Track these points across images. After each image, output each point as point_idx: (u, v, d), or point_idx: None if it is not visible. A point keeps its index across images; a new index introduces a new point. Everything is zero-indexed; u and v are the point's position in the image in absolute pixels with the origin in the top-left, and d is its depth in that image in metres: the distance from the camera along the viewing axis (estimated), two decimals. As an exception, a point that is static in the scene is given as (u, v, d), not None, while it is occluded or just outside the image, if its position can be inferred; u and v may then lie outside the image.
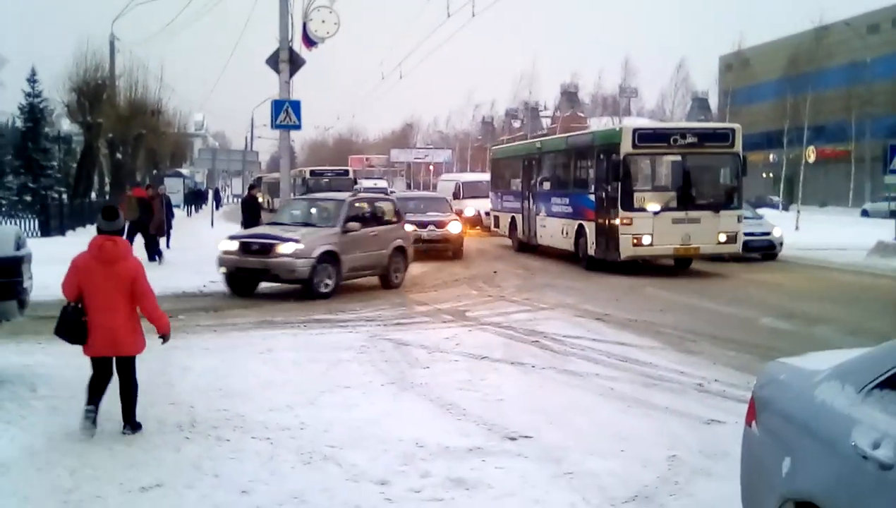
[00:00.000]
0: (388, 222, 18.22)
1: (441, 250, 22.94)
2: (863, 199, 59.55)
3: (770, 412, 4.28)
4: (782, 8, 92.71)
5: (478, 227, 33.03)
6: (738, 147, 19.66)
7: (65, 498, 5.74)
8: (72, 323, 7.10)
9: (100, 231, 7.29)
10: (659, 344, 11.37)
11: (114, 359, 7.32)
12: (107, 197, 43.56)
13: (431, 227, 22.56)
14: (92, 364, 7.31)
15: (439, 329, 12.62)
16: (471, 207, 33.85)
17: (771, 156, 62.61)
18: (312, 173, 46.45)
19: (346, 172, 48.26)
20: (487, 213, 31.67)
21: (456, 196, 34.87)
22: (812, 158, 50.87)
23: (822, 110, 57.23)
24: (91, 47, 37.68)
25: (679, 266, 20.70)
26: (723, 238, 19.44)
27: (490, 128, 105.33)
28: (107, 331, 7.09)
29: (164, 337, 7.53)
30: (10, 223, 27.32)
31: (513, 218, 27.34)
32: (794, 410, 4.04)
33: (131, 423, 7.29)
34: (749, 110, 58.63)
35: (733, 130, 20.06)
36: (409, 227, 18.72)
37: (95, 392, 7.24)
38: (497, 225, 29.55)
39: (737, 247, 19.92)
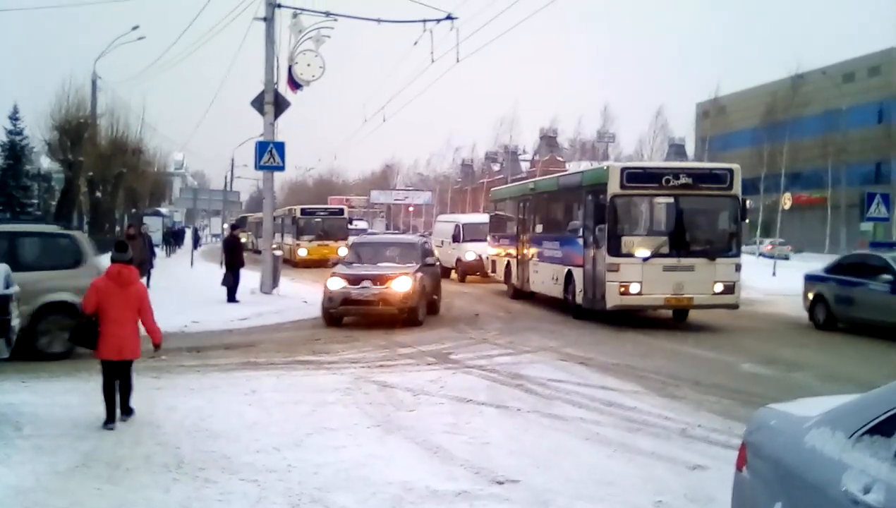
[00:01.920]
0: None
1: (378, 313, 18.03)
2: (839, 245, 60.11)
3: (761, 457, 4.35)
4: (759, 56, 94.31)
5: (478, 273, 30.92)
6: (737, 189, 17.90)
7: (53, 540, 5.72)
8: (88, 332, 8.96)
9: (114, 261, 9.26)
10: (642, 388, 11.43)
11: (117, 364, 8.99)
12: (86, 235, 43.32)
13: (366, 284, 17.59)
14: (105, 368, 9.00)
15: (423, 371, 12.64)
16: (471, 251, 31.46)
17: (747, 202, 63.25)
18: (304, 212, 43.14)
19: (341, 211, 44.82)
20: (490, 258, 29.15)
21: (455, 238, 32.97)
22: (788, 205, 51.36)
23: (798, 157, 58.13)
24: (73, 86, 37.82)
25: (677, 318, 19.16)
26: (719, 288, 17.60)
27: (470, 171, 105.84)
28: (117, 339, 8.89)
29: (158, 346, 9.44)
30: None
31: (508, 262, 25.69)
32: (784, 455, 4.12)
33: (127, 411, 9.12)
34: (725, 157, 59.13)
35: (731, 171, 18.16)
36: (335, 285, 17.90)
37: (110, 397, 8.91)
38: (494, 270, 27.82)
39: (734, 299, 17.87)
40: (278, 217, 45.77)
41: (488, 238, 28.96)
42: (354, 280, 17.82)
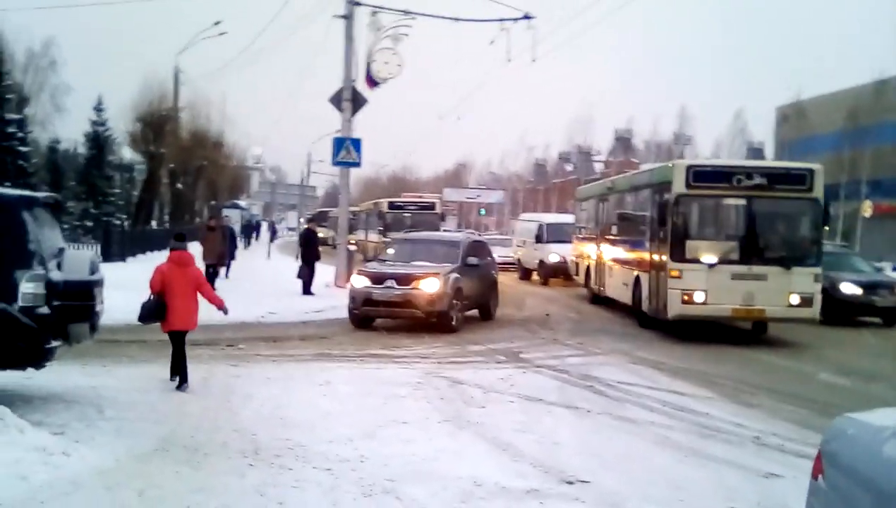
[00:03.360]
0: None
1: (404, 316, 16.95)
2: (919, 255, 58.52)
3: (837, 466, 4.31)
4: (842, 60, 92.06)
5: (561, 276, 29.57)
6: (819, 191, 16.39)
7: (134, 518, 5.92)
8: (156, 308, 10.39)
9: (173, 248, 11.02)
10: (714, 394, 11.33)
11: (181, 334, 10.54)
12: (167, 225, 44.43)
13: (390, 283, 16.54)
14: (173, 338, 10.52)
15: (493, 369, 12.71)
16: (555, 253, 30.01)
17: (829, 207, 61.81)
18: (392, 206, 38.35)
19: (432, 206, 38.46)
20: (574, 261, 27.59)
21: (539, 239, 31.60)
22: (869, 213, 50.16)
23: (880, 164, 56.54)
24: (156, 79, 38.76)
25: (757, 331, 17.74)
26: (795, 300, 16.00)
27: (543, 171, 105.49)
28: (183, 312, 10.45)
29: (224, 309, 11.02)
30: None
31: (588, 266, 24.53)
32: (862, 465, 4.07)
33: (185, 379, 10.37)
34: (805, 162, 58.01)
35: (812, 172, 16.64)
36: (358, 283, 17.03)
37: (177, 363, 10.46)
38: (577, 272, 26.42)
39: (813, 312, 16.25)
40: (363, 211, 44.97)
41: (574, 239, 27.53)
42: (379, 278, 16.74)
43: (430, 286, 16.34)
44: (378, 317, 17.12)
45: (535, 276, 31.70)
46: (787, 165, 19.96)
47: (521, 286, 29.65)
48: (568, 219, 32.45)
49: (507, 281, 28.62)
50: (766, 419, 9.89)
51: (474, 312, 18.48)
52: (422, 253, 18.14)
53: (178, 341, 10.51)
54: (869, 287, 20.69)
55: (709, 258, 16.16)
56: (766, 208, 16.53)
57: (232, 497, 6.39)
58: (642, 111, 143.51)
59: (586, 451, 8.13)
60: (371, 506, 6.33)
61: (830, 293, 18.91)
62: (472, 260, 18.06)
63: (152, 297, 10.47)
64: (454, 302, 16.71)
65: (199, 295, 10.73)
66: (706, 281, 15.99)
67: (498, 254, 34.99)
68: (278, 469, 7.11)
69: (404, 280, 16.52)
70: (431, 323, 16.45)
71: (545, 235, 31.45)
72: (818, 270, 16.42)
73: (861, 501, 3.94)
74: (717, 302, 15.99)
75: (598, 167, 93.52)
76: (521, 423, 9.16)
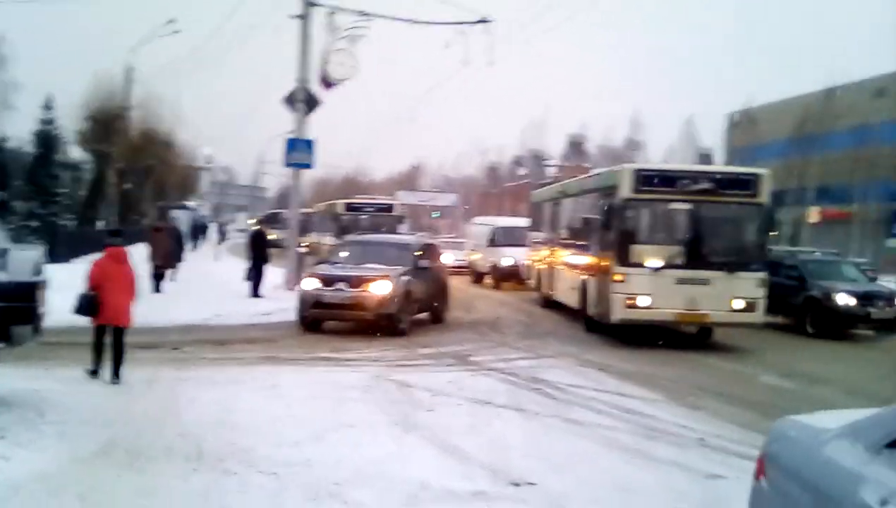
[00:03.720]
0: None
1: (353, 319, 16.74)
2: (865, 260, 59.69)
3: (779, 467, 4.36)
4: (792, 69, 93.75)
5: (513, 280, 29.41)
6: (765, 196, 16.36)
7: (74, 523, 5.80)
8: (91, 302, 10.55)
9: (110, 244, 11.29)
10: (661, 396, 11.43)
11: (112, 328, 10.77)
12: (114, 225, 43.77)
13: (340, 286, 16.33)
14: (96, 331, 10.79)
15: (443, 372, 12.69)
16: (508, 257, 29.84)
17: (775, 213, 62.88)
18: (349, 207, 36.06)
19: (391, 208, 36.73)
20: (526, 264, 27.55)
21: (492, 242, 31.48)
22: (815, 218, 51.04)
23: (827, 171, 57.62)
24: (108, 77, 38.20)
25: (702, 336, 17.62)
26: (738, 304, 15.97)
27: (496, 175, 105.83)
28: (115, 308, 10.66)
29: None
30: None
31: (539, 270, 24.49)
32: (803, 466, 4.12)
33: (118, 375, 10.69)
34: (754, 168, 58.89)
35: (758, 176, 16.58)
36: (308, 285, 16.79)
37: (99, 352, 10.78)
38: (530, 277, 26.41)
39: (756, 317, 16.25)
40: (318, 212, 43.80)
41: (527, 243, 27.45)
42: (329, 281, 16.50)
43: (380, 288, 16.15)
44: (327, 320, 16.93)
45: (487, 280, 31.61)
46: (734, 170, 19.99)
47: (474, 289, 29.64)
48: (521, 222, 32.23)
49: (459, 284, 28.65)
50: (711, 421, 10.01)
51: (425, 315, 18.41)
52: (373, 255, 17.86)
53: (102, 332, 10.80)
54: (864, 297, 19.70)
55: (654, 262, 16.02)
56: (712, 213, 16.45)
57: (175, 501, 6.31)
58: (595, 117, 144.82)
59: (534, 453, 8.14)
60: (316, 510, 6.27)
61: (824, 304, 19.21)
62: (423, 262, 17.93)
63: (88, 291, 10.66)
64: (404, 304, 16.53)
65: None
66: (650, 286, 15.89)
67: (453, 257, 35.08)
68: (223, 474, 7.02)
69: (354, 282, 16.32)
70: (381, 325, 16.24)
71: (498, 239, 31.33)
72: (763, 275, 16.35)
73: (801, 502, 3.98)
74: (662, 306, 15.91)
75: (551, 171, 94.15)
76: (469, 426, 9.15)
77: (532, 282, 25.85)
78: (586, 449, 8.43)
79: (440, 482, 7.02)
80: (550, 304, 22.63)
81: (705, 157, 79.36)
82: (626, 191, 16.17)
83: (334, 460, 7.52)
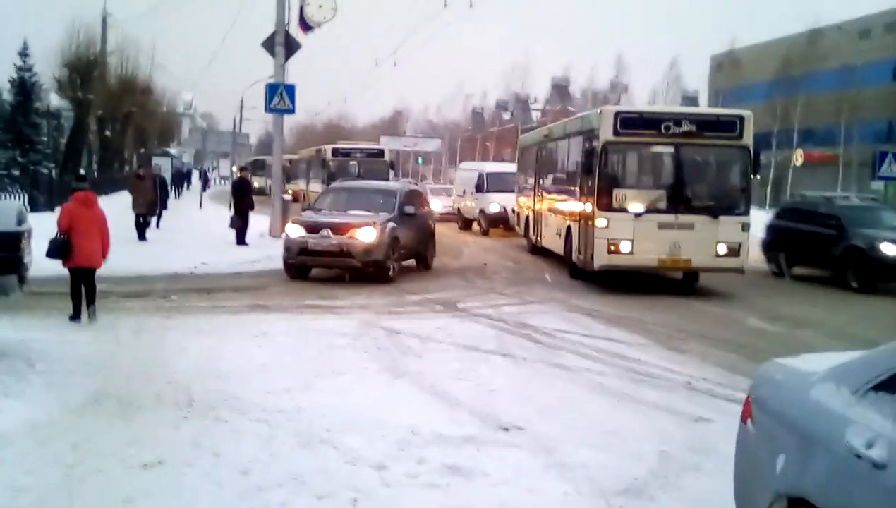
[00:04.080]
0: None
1: (339, 266, 16.76)
2: (849, 203, 59.93)
3: (765, 410, 4.41)
4: (775, 9, 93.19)
5: (501, 226, 29.31)
6: (748, 139, 15.95)
7: (67, 472, 5.82)
8: (62, 246, 10.90)
9: (77, 188, 11.72)
10: (648, 341, 11.51)
11: (86, 270, 11.22)
12: (95, 173, 43.46)
13: (325, 233, 16.24)
14: (73, 274, 11.16)
15: (431, 318, 12.75)
16: (496, 203, 29.58)
17: (759, 155, 63.00)
18: (337, 153, 34.83)
19: (381, 153, 35.62)
20: (515, 210, 27.24)
21: (479, 188, 31.08)
22: (800, 161, 51.20)
23: (811, 113, 57.69)
24: (83, 23, 37.59)
25: (687, 281, 17.36)
26: (722, 249, 15.75)
27: (480, 119, 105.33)
28: (87, 251, 11.05)
29: (106, 256, 11.50)
30: (0, 197, 27.24)
31: (528, 216, 24.23)
32: (789, 409, 4.17)
33: (93, 313, 11.22)
34: (738, 110, 58.79)
35: (742, 118, 16.13)
36: (293, 232, 16.67)
37: (77, 298, 11.17)
38: (518, 223, 26.13)
39: (740, 262, 16.04)
40: (304, 159, 42.78)
41: (515, 189, 27.04)
42: (314, 228, 16.44)
43: (366, 235, 16.10)
44: (314, 267, 16.97)
45: (475, 227, 31.48)
46: (717, 112, 19.60)
47: (461, 236, 29.66)
48: (509, 168, 32.02)
49: (447, 231, 28.64)
50: (697, 364, 10.10)
51: (411, 262, 18.45)
52: (358, 202, 17.79)
53: (78, 277, 11.19)
54: None
55: (635, 207, 15.78)
56: (695, 156, 16.30)
57: (167, 449, 6.33)
58: (580, 60, 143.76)
59: (522, 398, 8.22)
60: (308, 456, 6.32)
61: (869, 254, 17.52)
62: (409, 209, 17.79)
63: (59, 236, 10.98)
64: (391, 251, 16.52)
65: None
66: (632, 231, 15.66)
67: (441, 204, 34.94)
68: (213, 421, 7.06)
69: (340, 229, 16.25)
70: (368, 272, 16.29)
71: (486, 185, 30.96)
72: (747, 219, 16.12)
73: (787, 444, 4.04)
74: (644, 252, 15.69)
75: (536, 116, 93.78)
76: (457, 372, 9.21)
77: (520, 229, 25.71)
78: (574, 394, 8.51)
79: (430, 427, 7.08)
80: (538, 251, 22.51)
81: (690, 100, 79.32)
82: (606, 133, 15.84)
83: (324, 406, 7.57)
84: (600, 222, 15.79)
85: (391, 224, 16.70)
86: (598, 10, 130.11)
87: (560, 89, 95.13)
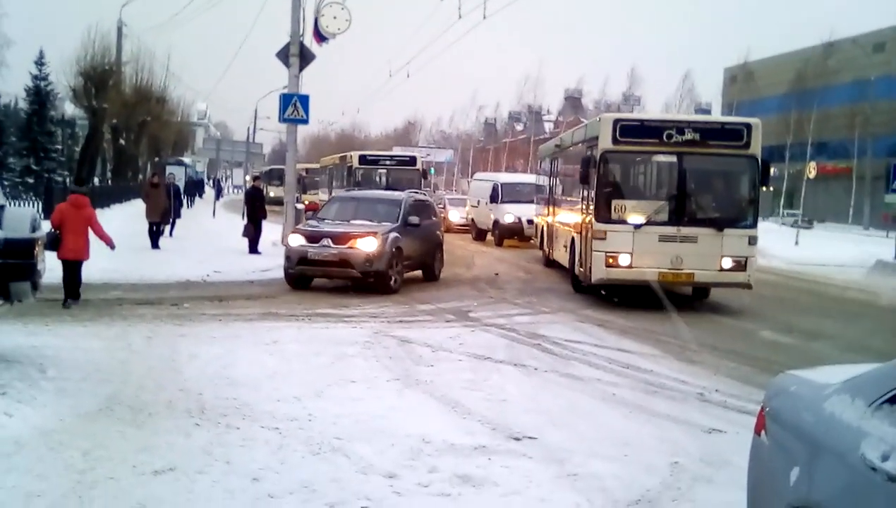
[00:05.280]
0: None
1: (340, 276, 16.56)
2: (862, 216, 59.76)
3: (779, 422, 4.38)
4: (791, 22, 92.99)
5: (515, 237, 29.16)
6: (756, 148, 15.13)
7: (78, 478, 5.82)
8: (52, 239, 12.18)
9: (72, 191, 14.04)
10: (660, 352, 11.48)
11: (73, 262, 13.12)
12: (109, 182, 43.65)
13: (325, 242, 16.09)
14: (63, 265, 12.99)
15: (442, 328, 12.73)
16: (510, 214, 29.25)
17: (772, 170, 62.91)
18: (364, 160, 32.65)
19: (413, 161, 33.21)
20: (530, 221, 26.90)
21: (494, 199, 30.73)
22: (813, 174, 50.96)
23: (825, 127, 57.59)
24: (99, 32, 37.83)
25: (697, 296, 16.87)
26: (727, 263, 15.07)
27: (493, 130, 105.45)
28: (73, 245, 12.98)
29: (112, 245, 13.56)
30: (15, 205, 27.38)
31: (542, 227, 23.95)
32: (803, 421, 4.14)
33: (75, 298, 13.13)
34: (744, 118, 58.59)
35: (749, 127, 15.36)
36: (294, 242, 16.60)
37: (67, 285, 13.08)
38: (536, 234, 25.65)
39: (745, 277, 15.28)
40: (326, 167, 42.02)
41: (534, 199, 26.66)
42: (315, 237, 16.30)
43: (367, 245, 15.92)
44: (314, 277, 16.79)
45: (489, 237, 31.30)
46: (722, 119, 19.00)
47: (475, 246, 29.61)
48: (524, 178, 31.97)
49: (460, 241, 28.65)
50: (710, 376, 10.06)
51: (418, 274, 18.40)
52: (362, 211, 17.70)
53: (69, 268, 13.07)
54: None
55: (635, 219, 15.15)
56: (699, 165, 15.50)
57: (178, 456, 6.33)
58: (593, 71, 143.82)
59: (534, 408, 8.19)
60: (320, 464, 6.31)
61: None
62: (414, 219, 17.55)
63: (52, 231, 12.55)
64: (393, 262, 16.33)
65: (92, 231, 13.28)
66: (632, 244, 15.03)
67: (458, 214, 34.92)
68: (225, 429, 7.06)
69: (341, 239, 16.11)
70: (369, 283, 16.11)
71: (500, 195, 30.66)
72: (754, 232, 15.42)
73: (801, 456, 4.00)
74: (644, 265, 15.03)
75: (549, 127, 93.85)
76: (469, 381, 9.19)
77: (536, 240, 25.46)
78: (586, 404, 8.48)
79: (442, 436, 7.06)
80: (551, 263, 22.20)
81: (703, 112, 79.20)
82: (605, 142, 15.19)
83: (335, 415, 7.56)
84: (598, 234, 15.26)
85: (394, 234, 16.52)
86: (612, 23, 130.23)
87: (573, 101, 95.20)
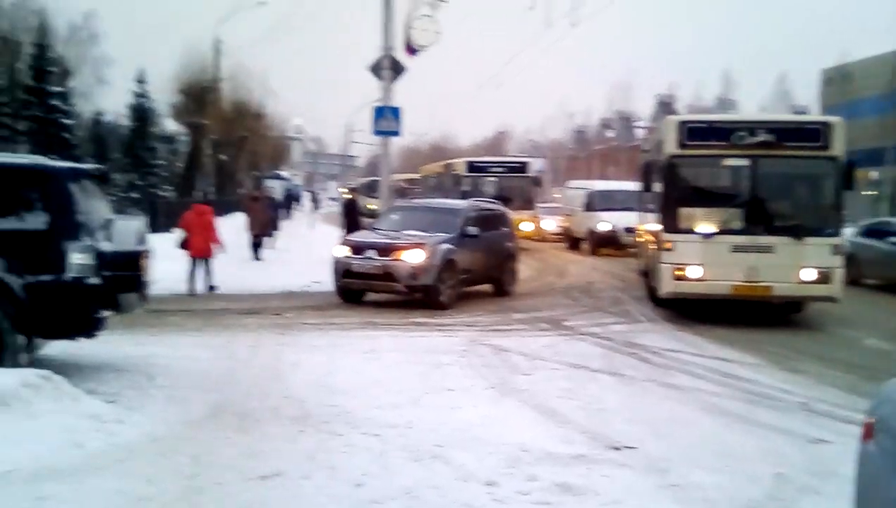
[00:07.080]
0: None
1: (384, 290, 15.85)
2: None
3: (888, 431, 4.29)
4: (889, 21, 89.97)
5: (610, 246, 28.07)
6: (838, 149, 13.88)
7: (187, 483, 6.03)
8: (182, 240, 16.66)
9: (196, 202, 17.69)
10: (761, 360, 11.26)
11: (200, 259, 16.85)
12: (212, 196, 44.83)
13: (370, 254, 15.34)
14: (192, 262, 16.61)
15: (537, 337, 12.74)
16: (605, 222, 28.14)
17: (872, 174, 60.98)
18: (472, 168, 30.89)
19: (524, 167, 31.79)
20: (628, 230, 25.33)
21: (588, 207, 29.80)
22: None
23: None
24: (198, 50, 38.99)
25: (790, 309, 15.38)
26: (808, 275, 13.78)
27: (583, 138, 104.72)
28: (199, 244, 16.66)
29: (221, 246, 17.34)
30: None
31: (637, 237, 22.69)
32: (915, 430, 4.05)
33: (211, 288, 16.83)
34: (851, 126, 56.10)
35: (828, 125, 14.19)
36: (339, 253, 15.93)
37: (193, 278, 16.51)
38: (636, 243, 23.62)
39: (830, 290, 13.94)
40: (430, 176, 40.70)
41: (628, 207, 25.17)
42: (359, 248, 15.58)
43: (413, 257, 15.00)
44: (361, 290, 16.01)
45: (584, 246, 30.74)
46: (798, 119, 17.91)
47: (568, 255, 29.35)
48: (618, 186, 31.05)
49: (553, 250, 28.49)
50: (814, 385, 9.84)
51: (487, 287, 17.56)
52: (416, 222, 16.63)
53: (193, 264, 16.61)
54: None
55: (705, 228, 14.18)
56: (774, 169, 14.21)
57: (284, 462, 6.49)
58: (685, 76, 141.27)
59: (632, 418, 8.14)
60: (421, 471, 6.40)
61: None
62: (473, 229, 16.31)
63: (181, 233, 16.64)
64: (444, 275, 15.25)
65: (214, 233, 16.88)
66: (702, 255, 14.01)
67: (554, 223, 34.42)
68: (328, 435, 7.22)
69: (385, 250, 15.27)
70: (416, 298, 15.32)
71: (594, 203, 29.77)
72: (838, 240, 14.13)
73: (914, 466, 3.92)
74: (716, 278, 13.95)
75: (640, 133, 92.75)
76: (566, 390, 9.18)
77: (635, 250, 24.38)
78: (686, 414, 8.39)
79: (540, 445, 7.08)
80: (646, 272, 21.41)
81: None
82: (671, 146, 14.28)
83: (434, 423, 7.66)
84: (666, 245, 14.32)
85: (446, 246, 15.46)
86: (705, 26, 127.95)
87: (665, 106, 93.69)
